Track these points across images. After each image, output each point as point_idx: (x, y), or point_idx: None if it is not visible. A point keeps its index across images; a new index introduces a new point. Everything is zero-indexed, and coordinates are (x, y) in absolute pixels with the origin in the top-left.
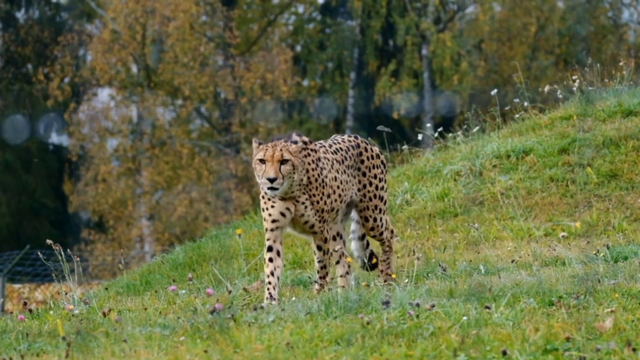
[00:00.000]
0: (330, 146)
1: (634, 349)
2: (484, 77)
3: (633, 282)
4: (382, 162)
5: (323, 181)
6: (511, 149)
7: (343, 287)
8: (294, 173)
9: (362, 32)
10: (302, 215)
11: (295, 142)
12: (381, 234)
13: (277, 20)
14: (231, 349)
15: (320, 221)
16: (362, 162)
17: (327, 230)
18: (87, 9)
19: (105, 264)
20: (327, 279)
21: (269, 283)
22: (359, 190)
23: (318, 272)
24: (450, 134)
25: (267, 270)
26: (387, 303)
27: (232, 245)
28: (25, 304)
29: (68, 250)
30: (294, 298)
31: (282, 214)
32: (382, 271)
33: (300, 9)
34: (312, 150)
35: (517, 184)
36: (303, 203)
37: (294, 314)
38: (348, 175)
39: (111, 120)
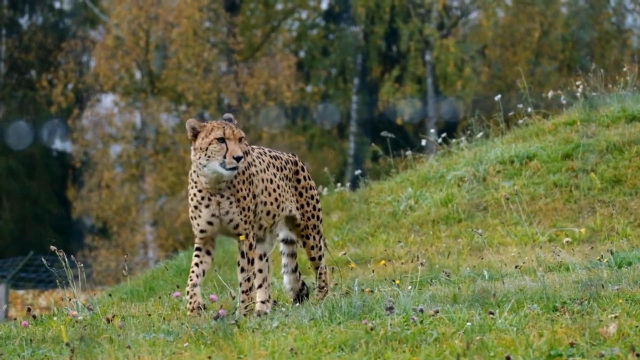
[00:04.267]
0: (270, 150)
1: (637, 355)
2: (488, 83)
3: (637, 287)
4: (315, 188)
5: (250, 178)
6: (515, 154)
7: (265, 313)
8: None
9: (366, 38)
10: (227, 212)
11: (231, 120)
12: (320, 257)
13: (281, 26)
14: (235, 355)
15: (245, 222)
16: (299, 181)
17: (252, 236)
18: (91, 15)
19: (109, 270)
20: (252, 294)
21: (193, 293)
22: (297, 209)
23: (241, 284)
24: (453, 140)
25: (191, 282)
26: (390, 309)
27: (236, 250)
28: (29, 310)
29: (72, 256)
30: (297, 304)
31: (210, 223)
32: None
33: (304, 15)
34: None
35: (520, 190)
36: (228, 198)
37: (298, 320)
38: (286, 185)
39: (115, 126)
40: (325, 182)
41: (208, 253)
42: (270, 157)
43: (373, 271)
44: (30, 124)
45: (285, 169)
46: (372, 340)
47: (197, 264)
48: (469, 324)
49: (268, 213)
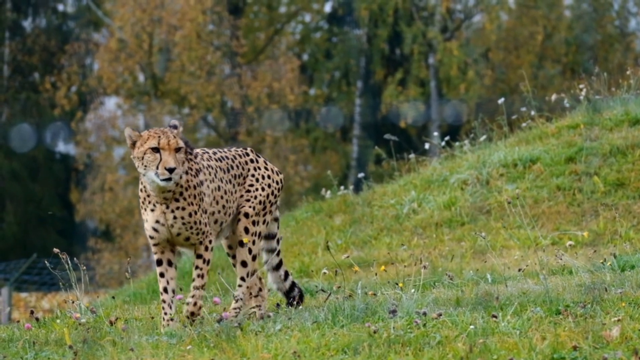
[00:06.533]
0: (215, 153)
1: None
2: (491, 86)
3: None
4: (279, 180)
5: (201, 194)
6: (518, 157)
7: (238, 309)
8: (184, 162)
9: (369, 41)
10: (172, 225)
11: (176, 127)
12: (250, 250)
13: (284, 29)
14: (238, 357)
15: (198, 233)
16: (255, 169)
17: (208, 240)
18: (94, 18)
19: (112, 272)
20: (203, 291)
21: (164, 301)
22: (248, 191)
23: (194, 280)
24: (457, 143)
25: (160, 287)
26: (394, 312)
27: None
28: (32, 312)
29: (75, 258)
30: (300, 307)
31: (155, 230)
32: (258, 305)
33: (307, 18)
34: (190, 154)
35: (524, 193)
36: (172, 211)
37: (301, 323)
38: (234, 185)
39: (118, 129)
40: (328, 185)
41: (169, 264)
42: (216, 159)
43: (376, 274)
44: (33, 126)
45: (233, 167)
46: (375, 343)
47: (162, 274)
48: (472, 327)
49: (216, 221)
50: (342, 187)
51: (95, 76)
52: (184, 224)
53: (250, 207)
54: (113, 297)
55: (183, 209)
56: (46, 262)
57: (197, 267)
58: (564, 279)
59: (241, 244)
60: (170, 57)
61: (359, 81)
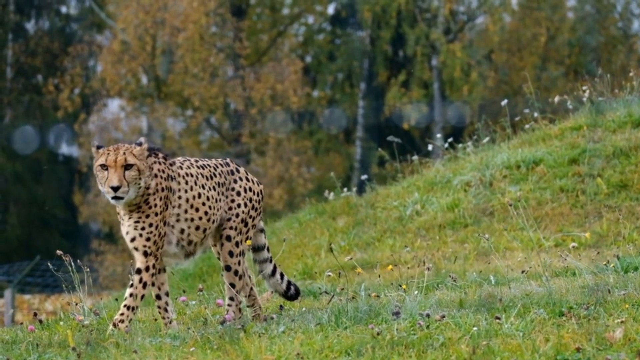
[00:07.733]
0: (197, 161)
1: None
2: (494, 88)
3: None
4: (260, 192)
5: (166, 196)
6: (521, 159)
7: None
8: (140, 179)
9: (372, 43)
10: (127, 232)
11: (140, 144)
12: (236, 272)
13: (287, 30)
14: (241, 359)
15: (148, 239)
16: (236, 181)
17: (153, 261)
18: (97, 20)
19: (115, 274)
20: (132, 314)
21: (159, 307)
22: (229, 209)
23: (126, 298)
24: (460, 145)
25: (153, 294)
26: (397, 314)
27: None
28: (35, 314)
29: (78, 261)
30: (304, 309)
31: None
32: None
33: (310, 20)
34: (165, 159)
35: (527, 195)
36: (130, 218)
37: (304, 325)
38: (218, 193)
39: (121, 131)
40: (331, 186)
41: (158, 271)
42: (198, 167)
43: (379, 276)
44: (36, 128)
45: (216, 175)
46: (379, 345)
47: (152, 282)
48: (475, 328)
49: (197, 228)
50: (345, 189)
51: (99, 78)
52: (136, 222)
53: (231, 227)
54: (116, 299)
55: (143, 211)
56: (49, 264)
57: (131, 285)
58: (567, 281)
59: (227, 268)
60: (173, 59)
61: (362, 83)
